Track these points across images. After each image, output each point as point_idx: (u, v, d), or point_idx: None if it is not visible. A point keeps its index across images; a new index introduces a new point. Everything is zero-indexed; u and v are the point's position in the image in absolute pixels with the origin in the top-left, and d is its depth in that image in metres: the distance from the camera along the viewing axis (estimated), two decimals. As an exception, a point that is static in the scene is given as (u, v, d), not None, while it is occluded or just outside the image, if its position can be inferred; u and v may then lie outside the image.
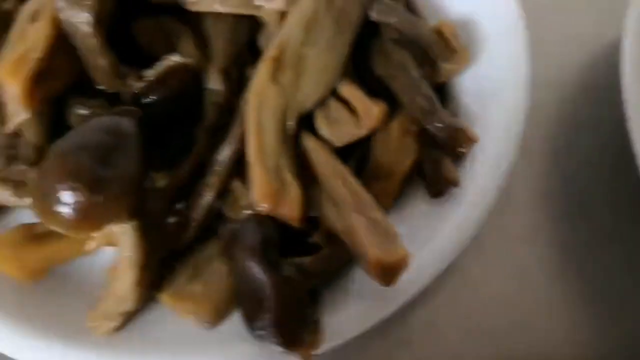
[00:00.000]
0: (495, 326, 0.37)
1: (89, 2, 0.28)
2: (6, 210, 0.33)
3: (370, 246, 0.28)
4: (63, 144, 0.26)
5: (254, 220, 0.28)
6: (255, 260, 0.28)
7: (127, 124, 0.27)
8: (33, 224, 0.31)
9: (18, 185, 0.30)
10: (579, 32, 0.47)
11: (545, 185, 0.41)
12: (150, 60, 0.34)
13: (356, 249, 0.29)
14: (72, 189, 0.25)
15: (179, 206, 0.31)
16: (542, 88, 0.38)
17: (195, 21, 0.35)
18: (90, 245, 0.31)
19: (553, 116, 0.43)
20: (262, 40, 0.34)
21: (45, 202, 0.26)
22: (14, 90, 0.27)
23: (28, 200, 0.31)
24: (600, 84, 0.44)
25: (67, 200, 0.25)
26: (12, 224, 0.33)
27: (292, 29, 0.30)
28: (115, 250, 0.31)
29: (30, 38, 0.28)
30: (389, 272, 0.28)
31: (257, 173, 0.28)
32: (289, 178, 0.29)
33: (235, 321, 0.30)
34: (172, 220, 0.30)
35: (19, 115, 0.28)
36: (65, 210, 0.25)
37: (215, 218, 0.32)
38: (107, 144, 0.26)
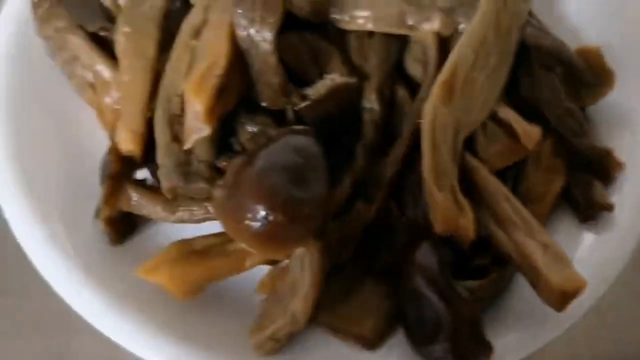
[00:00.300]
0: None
1: (273, 21, 0.28)
2: (148, 223, 0.34)
3: (549, 273, 0.28)
4: (259, 162, 0.26)
5: (431, 243, 0.28)
6: (433, 285, 0.27)
7: (312, 144, 0.27)
8: (190, 241, 0.31)
9: (175, 194, 0.30)
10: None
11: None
12: (293, 75, 0.34)
13: (531, 274, 0.29)
14: (269, 209, 0.25)
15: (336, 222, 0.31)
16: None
17: (340, 39, 0.35)
18: (247, 262, 0.30)
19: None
20: (410, 62, 0.35)
21: (237, 217, 0.25)
22: (198, 107, 0.27)
23: (178, 216, 0.31)
24: None
25: (262, 219, 0.25)
26: (152, 235, 0.34)
27: (463, 52, 0.30)
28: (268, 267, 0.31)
29: (210, 54, 0.28)
30: (567, 298, 0.28)
31: (436, 195, 0.28)
32: (462, 199, 0.29)
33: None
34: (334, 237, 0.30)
35: (201, 131, 0.27)
36: (259, 228, 0.25)
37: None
38: (299, 165, 0.26)
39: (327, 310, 0.30)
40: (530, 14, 0.37)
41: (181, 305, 0.30)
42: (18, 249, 0.32)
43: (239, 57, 0.29)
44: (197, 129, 0.27)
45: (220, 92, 0.28)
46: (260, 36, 0.29)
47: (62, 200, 0.33)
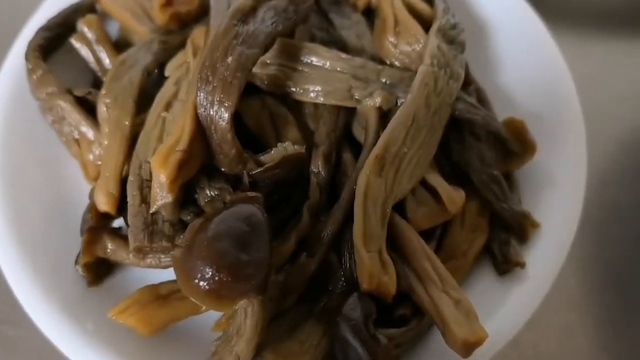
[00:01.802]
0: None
1: (229, 104, 0.33)
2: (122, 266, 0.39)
3: (455, 325, 0.33)
4: (211, 228, 0.31)
5: (357, 296, 0.33)
6: (357, 334, 0.32)
7: (258, 213, 0.32)
8: (157, 286, 0.36)
9: (142, 251, 0.35)
10: (620, 115, 0.52)
11: (586, 259, 0.46)
12: (253, 137, 0.39)
13: (441, 325, 0.34)
14: (216, 270, 0.30)
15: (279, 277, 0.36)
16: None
17: (296, 105, 0.40)
18: (203, 307, 0.35)
19: (594, 197, 0.48)
20: (356, 127, 0.39)
21: (190, 277, 0.30)
22: (162, 179, 0.32)
23: (147, 263, 0.36)
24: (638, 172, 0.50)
25: (209, 278, 0.30)
26: (125, 277, 0.39)
27: (395, 130, 0.35)
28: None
29: (175, 130, 0.33)
30: (469, 348, 0.33)
31: (363, 257, 0.33)
32: (387, 259, 0.34)
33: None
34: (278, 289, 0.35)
35: (164, 199, 0.32)
36: (207, 286, 0.30)
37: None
38: (245, 233, 0.31)
39: (272, 346, 0.35)
40: (468, 82, 0.43)
41: (147, 339, 0.36)
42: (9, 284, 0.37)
43: (200, 132, 0.34)
44: (162, 196, 0.32)
45: (183, 164, 0.33)
46: (219, 116, 0.33)
47: (49, 244, 0.38)
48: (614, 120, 0.52)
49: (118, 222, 0.38)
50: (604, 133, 0.51)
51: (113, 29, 0.45)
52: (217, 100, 0.33)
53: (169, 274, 0.36)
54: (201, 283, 0.30)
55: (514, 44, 0.46)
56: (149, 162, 0.34)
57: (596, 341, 0.43)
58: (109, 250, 0.36)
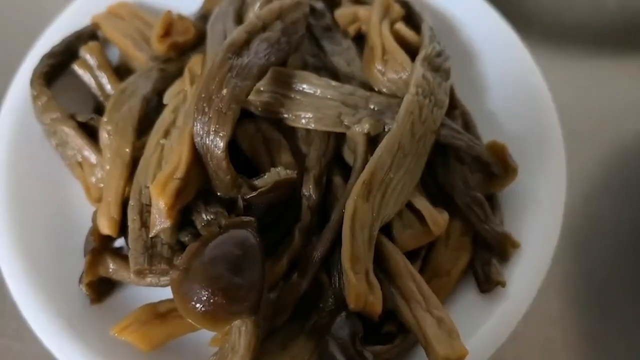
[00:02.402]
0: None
1: (225, 133, 0.35)
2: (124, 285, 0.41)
3: (436, 343, 0.35)
4: (206, 253, 0.33)
5: (345, 316, 0.35)
6: (344, 351, 0.34)
7: (251, 238, 0.34)
8: (156, 304, 0.38)
9: (142, 273, 0.37)
10: (602, 133, 0.54)
11: (568, 277, 0.48)
12: (248, 159, 0.41)
13: (424, 342, 0.36)
14: (212, 293, 0.32)
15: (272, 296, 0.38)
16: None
17: (289, 129, 0.42)
18: (200, 324, 0.37)
19: (576, 214, 0.50)
20: (346, 151, 0.41)
21: (187, 300, 0.32)
22: (161, 205, 0.34)
23: (147, 282, 0.38)
24: (622, 184, 0.51)
25: (206, 301, 0.32)
26: (126, 295, 0.41)
27: (381, 157, 0.37)
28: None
29: (173, 158, 0.35)
30: (450, 364, 0.35)
31: (351, 279, 0.35)
32: (373, 280, 0.36)
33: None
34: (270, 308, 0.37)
35: (163, 224, 0.34)
36: (203, 308, 0.32)
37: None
38: (239, 257, 0.33)
39: (266, 362, 0.38)
40: (454, 106, 0.45)
41: (147, 355, 0.38)
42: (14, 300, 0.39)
43: (197, 160, 0.36)
44: (161, 222, 0.34)
45: (181, 190, 0.35)
46: (215, 145, 0.35)
47: (54, 262, 0.40)
48: (596, 138, 0.53)
49: (119, 242, 0.41)
50: (586, 151, 0.53)
51: (114, 55, 0.47)
52: (212, 131, 0.35)
53: (168, 292, 0.38)
54: (197, 305, 0.32)
55: (498, 68, 0.48)
56: (149, 188, 0.36)
57: (578, 355, 0.45)
58: (110, 270, 0.38)
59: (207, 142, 0.35)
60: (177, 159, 0.35)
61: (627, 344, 0.46)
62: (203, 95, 0.36)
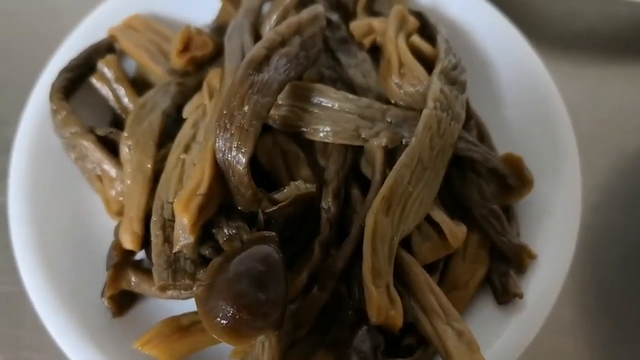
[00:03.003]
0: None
1: (247, 149, 0.35)
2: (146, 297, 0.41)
3: (457, 355, 0.35)
4: (231, 269, 0.33)
5: (366, 330, 0.36)
6: (367, 365, 0.35)
7: (273, 253, 0.34)
8: (178, 318, 0.38)
9: (166, 288, 0.37)
10: (613, 143, 0.54)
11: (580, 286, 0.48)
12: (266, 172, 0.41)
13: (444, 355, 0.36)
14: (236, 310, 0.32)
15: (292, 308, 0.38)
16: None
17: (307, 142, 0.42)
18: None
19: (588, 223, 0.50)
20: (364, 164, 0.42)
21: (212, 316, 0.33)
22: (184, 222, 0.34)
23: (168, 295, 0.38)
24: (634, 193, 0.52)
25: (230, 317, 0.32)
26: (148, 308, 0.41)
27: (401, 171, 0.37)
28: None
29: (195, 174, 0.35)
30: (471, 376, 0.35)
31: (373, 293, 0.35)
32: (394, 293, 0.36)
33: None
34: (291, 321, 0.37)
35: (186, 240, 0.35)
36: (228, 324, 0.32)
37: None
38: (262, 273, 0.33)
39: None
40: (469, 117, 0.45)
41: (169, 368, 0.38)
42: (35, 312, 0.39)
43: (219, 175, 0.36)
44: (184, 237, 0.35)
45: (203, 206, 0.35)
46: (237, 161, 0.36)
47: (76, 274, 0.41)
48: (604, 146, 0.54)
49: (140, 254, 0.41)
50: (594, 159, 0.53)
51: (130, 67, 0.47)
52: (235, 147, 0.36)
53: (189, 305, 0.38)
54: (222, 321, 0.32)
55: (511, 77, 0.49)
56: (171, 203, 0.37)
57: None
58: (132, 284, 0.39)
59: (229, 158, 0.36)
60: (199, 175, 0.35)
61: (638, 349, 0.46)
62: (225, 112, 0.36)
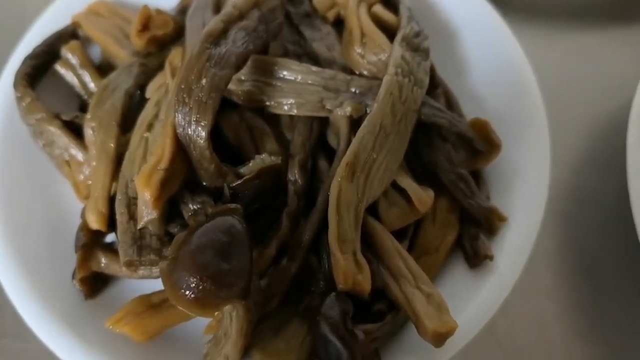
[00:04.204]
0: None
1: (206, 122, 0.35)
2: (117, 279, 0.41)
3: (426, 318, 0.35)
4: (194, 241, 0.33)
5: (334, 296, 0.36)
6: (335, 331, 0.35)
7: (237, 224, 0.34)
8: (149, 295, 0.38)
9: (132, 265, 0.37)
10: (588, 107, 0.54)
11: (559, 249, 0.48)
12: (233, 149, 0.41)
13: (414, 318, 0.36)
14: (200, 280, 0.32)
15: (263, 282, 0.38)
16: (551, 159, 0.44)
17: (273, 117, 0.42)
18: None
19: (563, 186, 0.51)
20: (330, 135, 0.42)
21: (176, 287, 0.33)
22: (147, 197, 0.34)
23: (139, 274, 0.38)
24: (609, 156, 0.52)
25: (194, 288, 0.32)
26: (120, 288, 0.41)
27: (363, 138, 0.37)
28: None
29: (156, 150, 0.35)
30: (440, 338, 0.35)
31: (338, 259, 0.35)
32: (361, 259, 0.36)
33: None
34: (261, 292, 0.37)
35: (150, 215, 0.35)
36: (193, 295, 0.32)
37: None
38: (225, 243, 0.33)
39: (260, 346, 0.38)
40: (436, 85, 0.45)
41: (143, 345, 0.38)
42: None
43: (180, 150, 0.36)
44: (147, 213, 0.35)
45: (166, 181, 0.35)
46: (197, 135, 0.36)
47: (47, 260, 0.41)
48: (581, 111, 0.54)
49: (110, 237, 0.41)
50: (571, 124, 0.53)
51: (95, 53, 0.47)
52: (194, 120, 0.36)
53: (161, 284, 0.38)
54: (187, 292, 0.32)
55: (479, 45, 0.48)
56: (134, 182, 0.37)
57: (570, 327, 0.46)
58: (102, 265, 0.39)
59: (189, 132, 0.36)
60: (160, 150, 0.35)
61: (619, 311, 0.46)
62: (183, 86, 0.36)
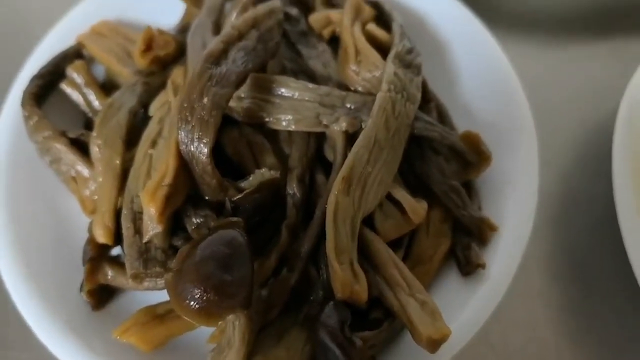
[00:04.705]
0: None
1: (208, 139, 0.37)
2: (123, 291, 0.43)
3: (420, 325, 0.37)
4: (197, 254, 0.34)
5: (333, 305, 0.37)
6: (334, 338, 0.36)
7: (238, 237, 0.36)
8: (154, 307, 0.40)
9: (138, 277, 0.39)
10: (575, 117, 0.56)
11: (549, 254, 0.50)
12: (234, 163, 0.43)
13: (409, 325, 0.37)
14: (204, 291, 0.34)
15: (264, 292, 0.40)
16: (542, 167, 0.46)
17: (272, 132, 0.44)
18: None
19: (553, 193, 0.52)
20: (327, 149, 0.43)
21: (181, 298, 0.34)
22: (152, 212, 0.36)
23: (145, 286, 0.40)
24: (596, 164, 0.53)
25: (198, 298, 0.34)
26: (126, 300, 0.43)
27: (358, 152, 0.39)
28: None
29: (161, 167, 0.37)
30: (434, 344, 0.37)
31: (336, 270, 0.37)
32: (358, 269, 0.38)
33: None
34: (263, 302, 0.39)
35: (155, 229, 0.36)
36: (197, 306, 0.34)
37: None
38: (227, 255, 0.35)
39: (261, 354, 0.39)
40: (428, 100, 0.47)
41: (148, 355, 0.39)
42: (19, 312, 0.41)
43: (184, 166, 0.38)
44: (152, 227, 0.36)
45: (170, 196, 0.37)
46: (199, 151, 0.37)
47: (55, 273, 0.42)
48: (568, 120, 0.55)
49: (116, 251, 0.42)
50: (559, 133, 0.55)
51: (99, 71, 0.49)
52: (196, 138, 0.37)
53: (165, 295, 0.40)
54: (191, 303, 0.34)
55: (468, 59, 0.50)
56: (140, 197, 0.38)
57: (562, 330, 0.47)
58: (109, 277, 0.40)
59: (192, 148, 0.37)
60: (164, 167, 0.37)
61: (609, 313, 0.48)
62: (185, 105, 0.37)
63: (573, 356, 0.46)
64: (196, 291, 0.34)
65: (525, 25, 0.60)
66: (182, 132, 0.37)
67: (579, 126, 0.55)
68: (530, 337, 0.47)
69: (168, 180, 0.36)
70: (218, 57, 0.39)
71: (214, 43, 0.40)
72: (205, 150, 0.37)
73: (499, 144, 0.45)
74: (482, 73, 0.49)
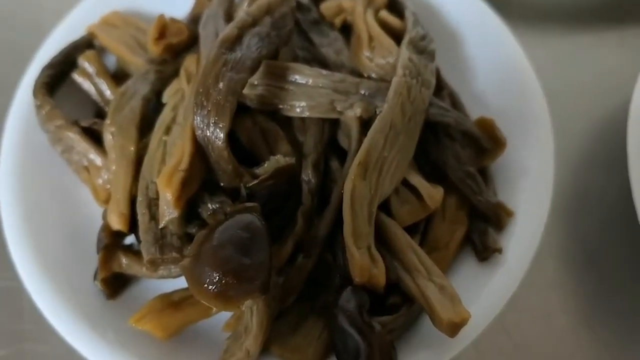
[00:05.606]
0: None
1: (224, 124, 0.36)
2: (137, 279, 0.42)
3: (440, 309, 0.36)
4: (215, 238, 0.34)
5: (351, 290, 0.37)
6: (353, 323, 0.36)
7: (256, 221, 0.35)
8: (170, 294, 0.39)
9: (155, 263, 0.38)
10: (586, 107, 0.56)
11: (564, 244, 0.50)
12: (248, 152, 0.42)
13: (428, 309, 0.37)
14: (222, 274, 0.33)
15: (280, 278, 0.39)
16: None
17: (285, 120, 0.43)
18: (213, 310, 0.39)
19: (564, 184, 0.52)
20: (341, 136, 0.43)
21: (199, 282, 0.34)
22: (168, 197, 0.35)
23: (159, 274, 0.40)
24: (608, 154, 0.53)
25: (217, 282, 0.33)
26: (140, 288, 0.42)
27: (375, 137, 0.39)
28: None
29: (176, 151, 0.37)
30: (454, 328, 0.36)
31: (354, 254, 0.36)
32: (376, 254, 0.37)
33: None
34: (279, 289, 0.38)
35: (171, 214, 0.36)
36: (215, 289, 0.33)
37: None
38: (245, 239, 0.34)
39: (278, 342, 0.39)
40: (441, 87, 0.46)
41: (164, 343, 0.39)
42: (34, 304, 0.40)
43: (199, 152, 0.38)
44: (169, 212, 0.36)
45: (186, 181, 0.36)
46: (215, 136, 0.37)
47: (69, 263, 0.42)
48: (580, 108, 0.55)
49: (129, 240, 0.42)
50: (572, 124, 0.54)
51: (111, 61, 0.49)
52: (212, 123, 0.37)
53: (180, 283, 0.39)
54: (210, 287, 0.33)
55: (481, 48, 0.50)
56: (155, 183, 0.38)
57: (577, 319, 0.47)
58: (123, 265, 0.40)
59: (208, 133, 0.37)
60: (180, 152, 0.37)
61: (622, 301, 0.47)
62: (201, 90, 0.37)
63: (587, 341, 0.46)
64: (215, 275, 0.33)
65: (536, 14, 0.60)
66: (198, 117, 0.37)
67: (591, 115, 0.55)
68: (545, 323, 0.47)
69: (184, 165, 0.36)
70: (233, 43, 0.39)
71: (229, 28, 0.40)
72: (222, 135, 0.37)
73: (512, 131, 0.45)
74: (495, 62, 0.49)
